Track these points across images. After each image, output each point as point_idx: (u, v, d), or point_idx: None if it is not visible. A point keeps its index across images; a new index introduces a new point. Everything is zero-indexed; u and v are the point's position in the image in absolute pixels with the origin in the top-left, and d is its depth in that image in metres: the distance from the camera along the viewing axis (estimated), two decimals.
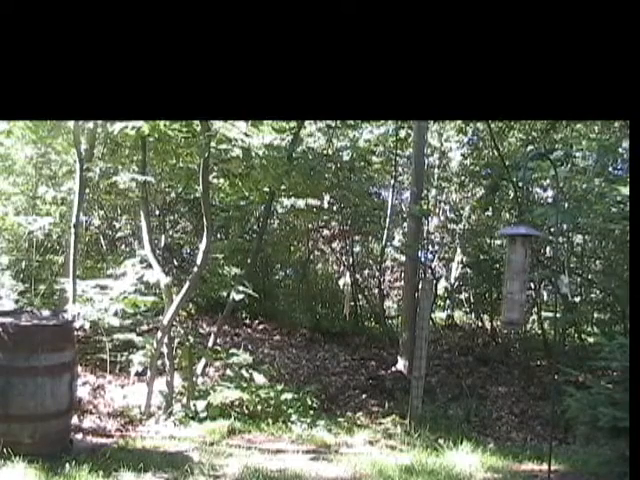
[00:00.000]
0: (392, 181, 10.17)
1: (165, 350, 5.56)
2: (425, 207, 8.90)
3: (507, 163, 7.60)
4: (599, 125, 8.75)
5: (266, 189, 7.26)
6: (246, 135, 5.15)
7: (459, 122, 9.44)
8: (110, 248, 9.64)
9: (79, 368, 5.85)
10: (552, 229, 7.42)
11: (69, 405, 4.28)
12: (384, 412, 6.41)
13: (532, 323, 9.22)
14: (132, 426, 5.10)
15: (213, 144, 5.58)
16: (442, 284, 10.73)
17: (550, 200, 9.10)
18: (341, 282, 10.65)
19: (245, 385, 5.93)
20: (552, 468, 4.34)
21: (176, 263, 9.39)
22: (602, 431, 4.21)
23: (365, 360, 8.43)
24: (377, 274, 10.29)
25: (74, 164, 6.49)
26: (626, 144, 7.19)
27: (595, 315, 9.11)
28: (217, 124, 5.09)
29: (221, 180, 7.76)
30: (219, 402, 5.52)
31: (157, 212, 9.08)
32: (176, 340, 6.05)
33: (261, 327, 9.30)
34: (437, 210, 11.52)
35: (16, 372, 3.99)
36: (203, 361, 6.21)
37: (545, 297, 10.05)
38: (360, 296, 10.28)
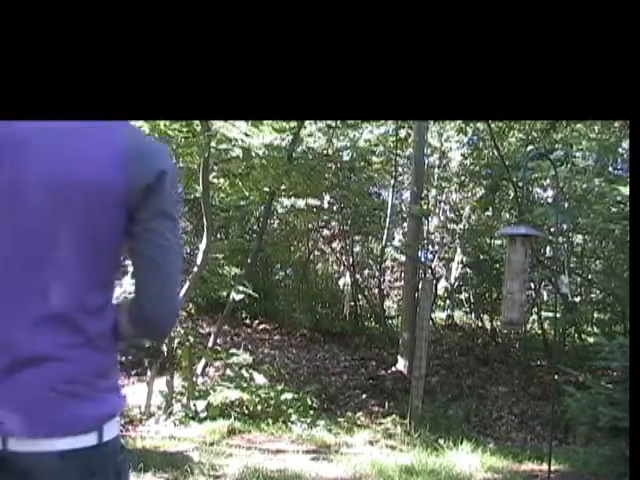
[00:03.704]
0: (392, 181, 10.17)
1: (165, 350, 5.57)
2: (425, 207, 8.90)
3: (507, 163, 7.60)
4: (599, 125, 8.75)
5: (266, 189, 7.26)
6: (246, 135, 5.16)
7: (459, 122, 9.44)
8: None
9: None
10: (552, 229, 7.41)
11: None
12: (384, 412, 6.41)
13: (532, 323, 9.21)
14: (132, 426, 5.10)
15: (213, 144, 5.59)
16: (442, 284, 10.72)
17: (550, 200, 9.10)
18: (341, 282, 10.65)
19: (245, 385, 5.93)
20: (552, 468, 4.33)
21: None
22: (602, 431, 4.21)
23: (365, 360, 8.42)
24: (377, 274, 10.29)
25: None
26: (626, 144, 7.20)
27: (595, 315, 9.10)
28: (217, 124, 5.10)
29: (221, 180, 7.76)
30: (219, 402, 5.52)
31: None
32: (176, 340, 6.05)
33: (261, 327, 9.30)
34: (437, 210, 11.52)
35: None
36: (203, 361, 6.21)
37: (545, 297, 10.05)
38: (360, 296, 10.28)
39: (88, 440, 1.19)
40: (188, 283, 5.54)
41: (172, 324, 1.38)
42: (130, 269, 1.39)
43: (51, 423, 1.17)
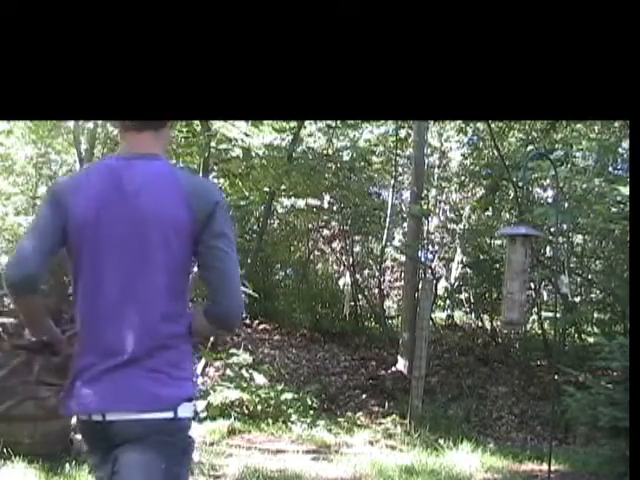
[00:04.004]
0: (392, 181, 10.16)
1: None
2: (425, 207, 8.89)
3: (507, 163, 7.60)
4: (599, 125, 8.75)
5: (266, 189, 7.26)
6: (246, 135, 5.16)
7: (459, 122, 9.44)
8: None
9: None
10: (552, 229, 7.41)
11: None
12: (384, 412, 6.41)
13: (532, 323, 9.21)
14: None
15: (213, 144, 5.60)
16: (442, 284, 10.72)
17: (550, 200, 9.10)
18: (341, 282, 10.64)
19: (245, 385, 5.93)
20: (552, 468, 4.34)
21: None
22: (602, 431, 4.21)
23: (365, 360, 8.42)
24: (377, 274, 10.28)
25: (74, 164, 6.50)
26: (626, 144, 7.19)
27: (595, 315, 9.09)
28: (217, 124, 5.10)
29: (221, 180, 7.77)
30: (219, 402, 5.52)
31: None
32: None
33: (261, 327, 9.29)
34: (437, 210, 11.51)
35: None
36: (203, 361, 6.21)
37: (545, 297, 10.04)
38: (360, 296, 10.27)
39: (166, 415, 1.60)
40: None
41: (240, 316, 1.75)
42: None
43: (139, 402, 1.59)
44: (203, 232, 1.63)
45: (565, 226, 7.97)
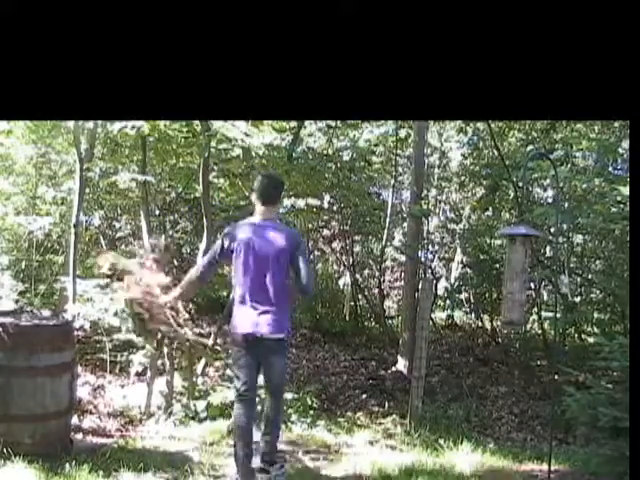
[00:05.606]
0: (392, 181, 10.16)
1: (165, 350, 5.56)
2: (425, 207, 8.89)
3: (507, 163, 7.59)
4: (599, 125, 8.75)
5: None
6: (246, 135, 5.15)
7: (459, 122, 9.43)
8: (110, 248, 9.61)
9: (79, 368, 5.85)
10: (552, 229, 7.42)
11: (69, 405, 4.28)
12: (384, 412, 6.41)
13: (532, 323, 9.21)
14: (132, 426, 5.10)
15: (213, 144, 5.59)
16: (442, 284, 10.71)
17: (550, 200, 9.10)
18: (341, 282, 10.63)
19: None
20: (552, 468, 4.34)
21: (176, 263, 9.38)
22: (602, 431, 4.21)
23: (365, 360, 8.42)
24: (377, 274, 10.28)
25: (74, 164, 6.49)
26: (626, 144, 7.19)
27: (595, 315, 9.08)
28: (217, 124, 5.09)
29: (221, 180, 7.77)
30: (219, 402, 5.52)
31: (157, 212, 9.09)
32: (176, 340, 6.04)
33: None
34: (437, 210, 11.52)
35: (16, 372, 3.99)
36: (203, 361, 6.20)
37: (545, 297, 10.04)
38: (360, 296, 10.27)
39: (282, 336, 3.82)
40: None
41: (312, 291, 4.00)
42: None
43: (273, 330, 3.77)
44: (294, 253, 3.77)
45: (565, 226, 7.96)
